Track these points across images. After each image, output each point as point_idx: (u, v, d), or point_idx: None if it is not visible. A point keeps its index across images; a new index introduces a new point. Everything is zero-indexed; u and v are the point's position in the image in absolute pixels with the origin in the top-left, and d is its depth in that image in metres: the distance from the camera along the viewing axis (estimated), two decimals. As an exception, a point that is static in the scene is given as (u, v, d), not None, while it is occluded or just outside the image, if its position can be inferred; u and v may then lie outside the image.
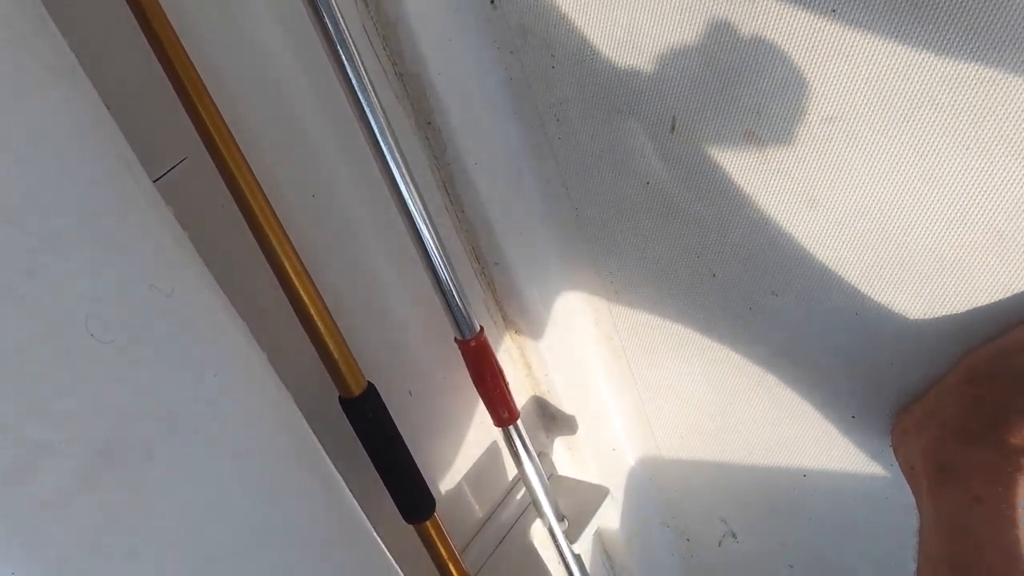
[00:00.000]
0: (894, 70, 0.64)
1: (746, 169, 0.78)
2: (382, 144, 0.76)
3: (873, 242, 0.75)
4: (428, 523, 0.89)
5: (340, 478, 0.67)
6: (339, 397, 0.82)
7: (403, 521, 0.89)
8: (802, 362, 0.91)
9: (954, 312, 0.75)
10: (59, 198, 0.47)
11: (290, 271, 0.74)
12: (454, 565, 0.92)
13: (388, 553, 0.72)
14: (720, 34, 0.71)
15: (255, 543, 0.58)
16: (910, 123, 0.66)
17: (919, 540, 0.69)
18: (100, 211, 0.49)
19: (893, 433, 0.85)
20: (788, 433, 1.01)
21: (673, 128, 0.80)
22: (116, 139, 0.51)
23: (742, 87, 0.73)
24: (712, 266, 0.89)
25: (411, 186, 0.78)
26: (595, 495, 1.13)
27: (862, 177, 0.72)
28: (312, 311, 0.76)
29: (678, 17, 0.72)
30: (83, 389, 0.48)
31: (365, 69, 0.72)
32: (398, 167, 0.77)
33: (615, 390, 1.18)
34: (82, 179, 0.48)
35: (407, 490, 0.87)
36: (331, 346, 0.78)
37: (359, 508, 0.68)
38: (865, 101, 0.67)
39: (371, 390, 0.82)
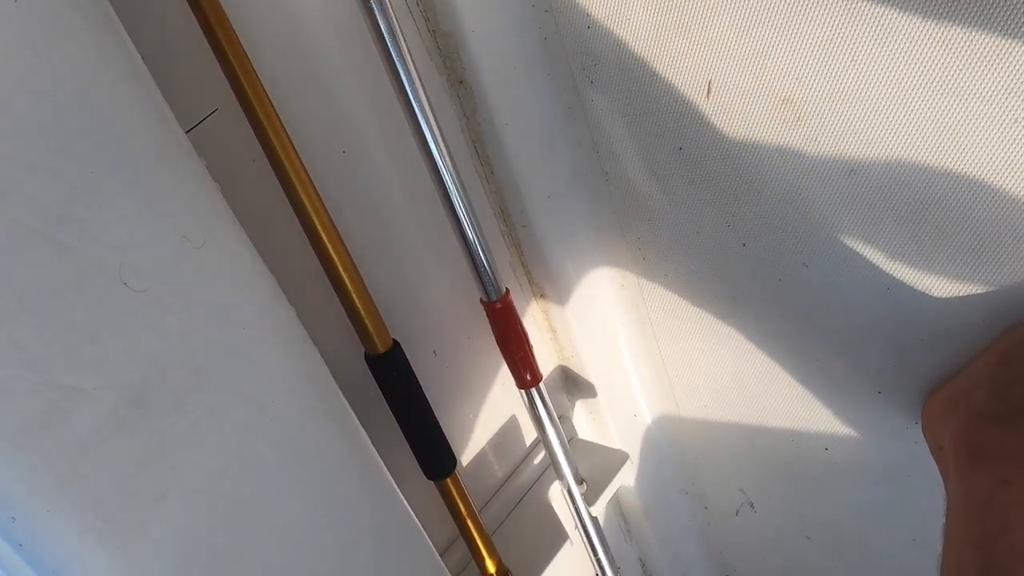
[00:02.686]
0: (936, 40, 0.62)
1: (782, 137, 0.77)
2: (413, 101, 0.75)
3: (910, 216, 0.73)
4: (448, 480, 0.90)
5: (364, 433, 0.68)
6: (364, 354, 0.82)
7: (424, 478, 0.90)
8: (829, 335, 0.90)
9: (989, 291, 0.74)
10: (94, 146, 0.47)
11: (319, 226, 0.74)
12: (472, 522, 0.94)
13: (409, 508, 0.73)
14: (762, -4, 0.69)
15: (279, 493, 0.60)
16: (955, 96, 0.64)
17: (946, 521, 0.69)
18: (134, 160, 0.49)
19: (923, 413, 0.84)
20: (812, 406, 1.00)
21: (708, 93, 0.79)
22: (150, 88, 0.51)
23: (781, 51, 0.71)
24: (742, 235, 0.88)
25: (441, 145, 0.78)
26: (614, 459, 1.13)
27: (905, 147, 0.70)
28: (340, 267, 0.76)
29: (720, -23, 0.70)
30: (115, 336, 0.49)
31: (398, 25, 0.72)
32: (428, 125, 0.76)
33: (638, 356, 1.18)
34: (117, 127, 0.48)
35: (429, 447, 0.88)
36: (358, 303, 0.78)
37: (382, 463, 0.70)
38: (912, 69, 0.65)
39: (396, 348, 0.83)
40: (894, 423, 0.91)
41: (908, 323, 0.81)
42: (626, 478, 1.15)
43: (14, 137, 0.44)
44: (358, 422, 0.67)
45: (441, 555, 0.79)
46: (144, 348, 0.50)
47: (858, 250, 0.80)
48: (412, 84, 0.74)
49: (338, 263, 0.76)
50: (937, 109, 0.66)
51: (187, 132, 0.54)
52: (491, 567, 0.98)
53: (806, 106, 0.73)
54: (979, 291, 0.74)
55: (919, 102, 0.66)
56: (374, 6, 0.70)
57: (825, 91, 0.71)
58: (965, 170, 0.68)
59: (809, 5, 0.66)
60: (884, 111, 0.69)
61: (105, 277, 0.48)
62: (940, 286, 0.76)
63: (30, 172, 0.45)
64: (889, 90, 0.67)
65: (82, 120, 0.46)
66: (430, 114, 0.76)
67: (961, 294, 0.76)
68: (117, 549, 0.50)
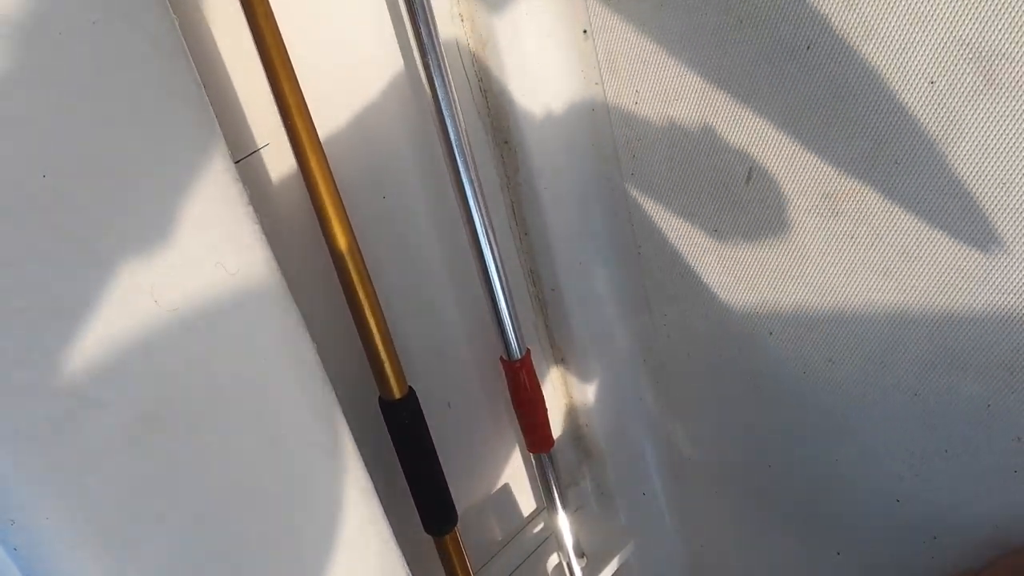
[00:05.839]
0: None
1: (819, 229, 0.77)
2: (457, 155, 0.77)
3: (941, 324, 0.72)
4: (447, 537, 0.89)
5: (369, 478, 0.67)
6: (379, 398, 0.82)
7: (424, 531, 0.89)
8: (853, 435, 0.88)
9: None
10: (143, 164, 0.49)
11: (351, 268, 0.75)
12: (468, 584, 0.92)
13: (404, 561, 0.71)
14: (802, 91, 0.70)
15: (279, 529, 0.59)
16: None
17: None
18: (179, 181, 0.51)
19: None
20: (825, 511, 0.97)
21: (748, 179, 0.79)
22: (206, 115, 0.53)
23: (828, 144, 0.71)
24: (771, 323, 0.87)
25: (480, 201, 0.79)
26: (619, 537, 1.10)
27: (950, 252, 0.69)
28: (366, 309, 0.77)
29: (763, 65, 0.71)
30: (140, 352, 0.50)
31: (452, 81, 0.74)
32: (470, 179, 0.78)
33: (656, 435, 1.16)
34: (169, 148, 0.50)
35: (431, 500, 0.87)
36: (379, 346, 0.79)
37: (382, 512, 0.68)
38: (970, 171, 0.65)
39: (411, 395, 0.82)
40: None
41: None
42: (629, 558, 1.11)
43: (71, 145, 0.46)
44: (364, 467, 0.66)
45: (432, 614, 0.77)
46: (166, 367, 0.51)
47: (887, 355, 0.78)
48: (459, 138, 0.76)
49: (364, 305, 0.77)
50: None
51: (236, 162, 0.55)
52: (480, 633, 0.95)
53: (846, 203, 0.73)
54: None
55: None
56: (431, 62, 0.72)
57: (867, 191, 0.71)
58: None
59: (853, 112, 0.67)
60: (928, 202, 0.68)
61: (137, 293, 0.49)
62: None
63: (77, 178, 0.46)
64: (933, 183, 0.67)
65: (132, 137, 0.48)
66: (473, 169, 0.78)
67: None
68: (108, 566, 0.50)
